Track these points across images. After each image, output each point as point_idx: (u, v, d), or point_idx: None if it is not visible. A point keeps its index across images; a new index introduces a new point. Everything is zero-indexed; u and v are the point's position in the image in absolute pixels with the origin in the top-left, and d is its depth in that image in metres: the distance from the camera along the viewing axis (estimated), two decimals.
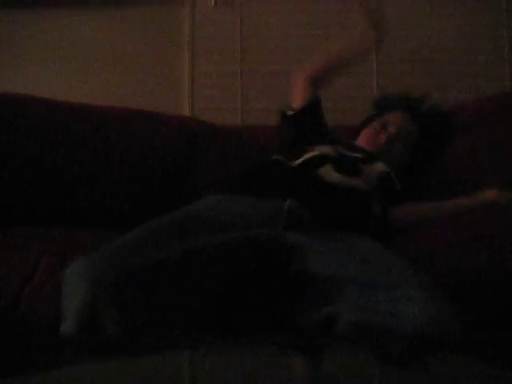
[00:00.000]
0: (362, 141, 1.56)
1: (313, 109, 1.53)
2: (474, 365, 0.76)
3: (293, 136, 1.50)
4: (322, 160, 1.30)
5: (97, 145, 1.52)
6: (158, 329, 0.89)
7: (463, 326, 0.88)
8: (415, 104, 1.63)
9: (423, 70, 2.22)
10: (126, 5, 2.24)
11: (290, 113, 1.54)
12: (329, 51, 1.61)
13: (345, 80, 2.22)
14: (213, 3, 2.24)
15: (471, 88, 2.14)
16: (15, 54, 2.20)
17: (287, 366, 0.77)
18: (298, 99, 1.56)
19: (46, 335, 1.02)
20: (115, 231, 1.32)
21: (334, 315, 0.92)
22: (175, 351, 0.78)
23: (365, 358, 0.80)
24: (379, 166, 1.41)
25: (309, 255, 1.00)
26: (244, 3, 2.25)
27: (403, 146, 1.54)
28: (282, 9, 2.27)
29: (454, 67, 2.23)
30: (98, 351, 0.77)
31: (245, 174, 1.31)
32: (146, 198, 1.51)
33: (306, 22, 2.26)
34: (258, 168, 1.33)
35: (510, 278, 1.08)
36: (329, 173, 1.26)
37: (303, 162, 1.31)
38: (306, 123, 1.50)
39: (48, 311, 1.06)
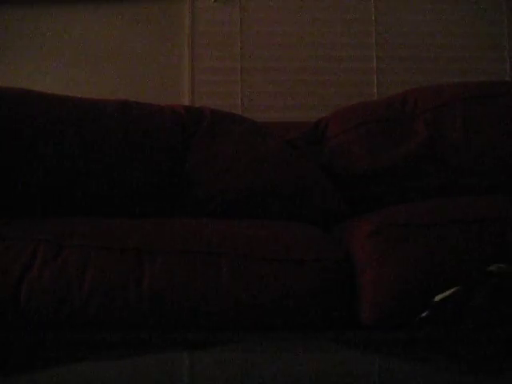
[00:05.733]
0: None
1: None
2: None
3: None
4: None
5: (91, 135, 1.52)
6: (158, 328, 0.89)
7: None
8: None
9: (423, 67, 2.22)
10: (127, 1, 2.23)
11: None
12: None
13: (345, 77, 2.22)
14: None
15: None
16: (13, 51, 2.19)
17: (286, 363, 0.78)
18: None
19: (45, 332, 1.02)
20: (111, 218, 1.32)
21: None
22: (175, 351, 0.78)
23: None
24: None
25: None
26: None
27: None
28: (282, 5, 2.26)
29: (454, 65, 2.23)
30: (98, 351, 0.77)
31: None
32: (141, 186, 1.51)
33: (306, 18, 2.25)
34: None
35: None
36: None
37: None
38: None
39: (48, 300, 1.06)
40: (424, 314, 0.98)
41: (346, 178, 1.57)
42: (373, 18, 2.24)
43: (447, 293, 0.99)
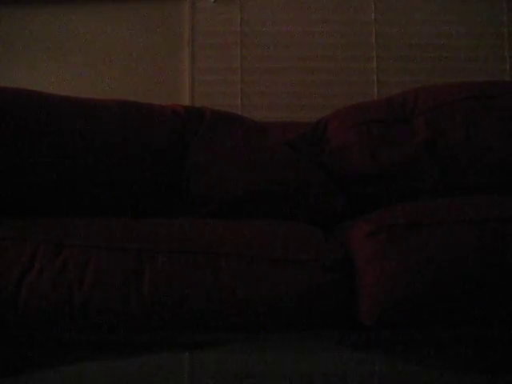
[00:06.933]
0: None
1: None
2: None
3: None
4: None
5: (91, 135, 1.52)
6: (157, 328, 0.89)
7: None
8: None
9: (423, 67, 2.22)
10: (127, 1, 2.23)
11: None
12: None
13: (345, 77, 2.22)
14: None
15: None
16: (13, 51, 2.19)
17: (286, 363, 0.78)
18: None
19: (45, 332, 1.02)
20: (111, 218, 1.32)
21: None
22: (175, 351, 0.78)
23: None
24: None
25: None
26: None
27: None
28: (282, 5, 2.26)
29: (454, 65, 2.23)
30: (98, 351, 0.77)
31: None
32: (141, 186, 1.51)
33: (306, 18, 2.25)
34: None
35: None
36: None
37: None
38: None
39: (48, 300, 1.06)
40: None
41: (346, 178, 1.57)
42: (373, 17, 2.24)
43: None
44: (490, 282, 1.10)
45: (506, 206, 1.24)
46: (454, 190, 1.52)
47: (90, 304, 1.06)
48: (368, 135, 1.61)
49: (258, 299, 1.08)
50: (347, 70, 2.23)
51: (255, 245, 1.15)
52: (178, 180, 1.53)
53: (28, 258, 1.11)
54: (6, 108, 1.49)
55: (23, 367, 0.70)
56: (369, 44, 2.23)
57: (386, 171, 1.56)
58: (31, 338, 0.93)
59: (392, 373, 0.74)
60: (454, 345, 0.90)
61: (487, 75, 2.16)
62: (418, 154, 1.57)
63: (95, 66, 2.20)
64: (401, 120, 1.65)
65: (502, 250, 1.12)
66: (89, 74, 2.19)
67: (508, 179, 1.52)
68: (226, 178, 1.50)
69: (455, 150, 1.55)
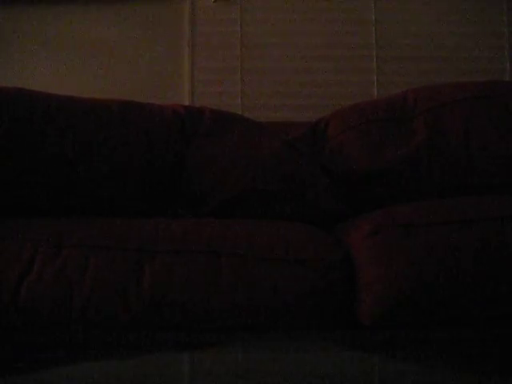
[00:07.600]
0: None
1: None
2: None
3: None
4: None
5: (91, 135, 1.52)
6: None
7: None
8: None
9: (423, 67, 2.22)
10: (127, 1, 2.23)
11: None
12: None
13: (345, 77, 2.22)
14: None
15: None
16: (13, 51, 2.19)
17: (286, 363, 0.78)
18: None
19: (45, 332, 1.02)
20: (111, 218, 1.32)
21: None
22: (175, 351, 0.78)
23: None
24: None
25: None
26: None
27: None
28: (282, 5, 2.26)
29: (454, 65, 2.23)
30: (98, 351, 0.77)
31: None
32: (141, 185, 1.51)
33: (306, 18, 2.25)
34: None
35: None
36: None
37: None
38: None
39: (48, 300, 1.06)
40: None
41: (346, 178, 1.57)
42: (373, 17, 2.24)
43: None
44: (489, 282, 1.10)
45: (505, 205, 1.24)
46: (453, 189, 1.52)
47: (90, 304, 1.06)
48: (368, 135, 1.62)
49: (258, 299, 1.08)
50: (347, 70, 2.23)
51: (255, 245, 1.15)
52: (178, 179, 1.54)
53: (28, 258, 1.11)
54: (7, 108, 1.49)
55: (23, 367, 0.70)
56: (369, 44, 2.23)
57: (386, 171, 1.56)
58: (31, 338, 0.94)
59: (392, 373, 0.74)
60: (453, 345, 0.90)
61: (487, 75, 2.16)
62: (417, 154, 1.57)
63: (95, 66, 2.20)
64: (401, 120, 1.65)
65: (501, 250, 1.12)
66: (89, 74, 2.19)
67: (508, 179, 1.52)
68: (225, 177, 1.50)
69: (455, 149, 1.56)
